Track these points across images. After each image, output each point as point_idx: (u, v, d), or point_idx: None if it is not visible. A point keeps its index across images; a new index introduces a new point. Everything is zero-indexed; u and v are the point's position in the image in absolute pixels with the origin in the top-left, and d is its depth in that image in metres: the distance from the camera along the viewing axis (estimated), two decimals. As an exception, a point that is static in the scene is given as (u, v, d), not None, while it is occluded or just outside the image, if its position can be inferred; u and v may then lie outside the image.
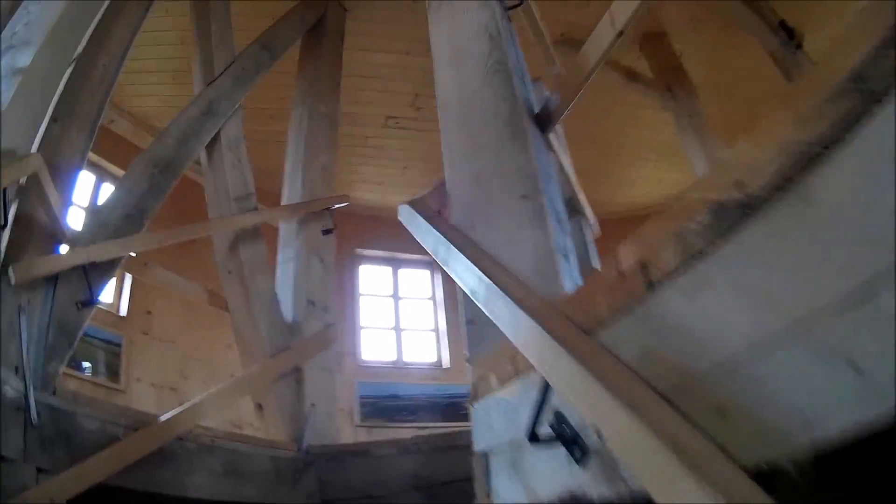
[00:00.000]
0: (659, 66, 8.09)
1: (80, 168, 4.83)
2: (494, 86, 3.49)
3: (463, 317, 3.07)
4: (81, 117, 4.87)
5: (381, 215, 10.90)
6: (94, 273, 4.53)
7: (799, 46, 6.43)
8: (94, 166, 8.40)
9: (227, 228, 5.63)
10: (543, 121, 3.53)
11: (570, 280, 2.89)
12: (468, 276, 2.74)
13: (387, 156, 10.21)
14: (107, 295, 8.33)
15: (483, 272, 2.61)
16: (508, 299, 2.33)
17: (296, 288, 5.92)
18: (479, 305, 2.60)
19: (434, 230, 3.20)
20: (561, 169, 4.13)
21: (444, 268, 3.08)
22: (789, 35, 6.49)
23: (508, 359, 2.47)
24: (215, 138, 5.87)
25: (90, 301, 4.52)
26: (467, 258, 2.80)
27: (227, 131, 5.95)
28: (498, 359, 2.60)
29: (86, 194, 8.32)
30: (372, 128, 9.60)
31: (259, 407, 5.47)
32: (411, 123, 9.55)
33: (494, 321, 2.43)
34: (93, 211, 4.97)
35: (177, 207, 6.76)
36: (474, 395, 2.83)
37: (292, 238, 6.17)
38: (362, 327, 11.00)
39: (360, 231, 10.69)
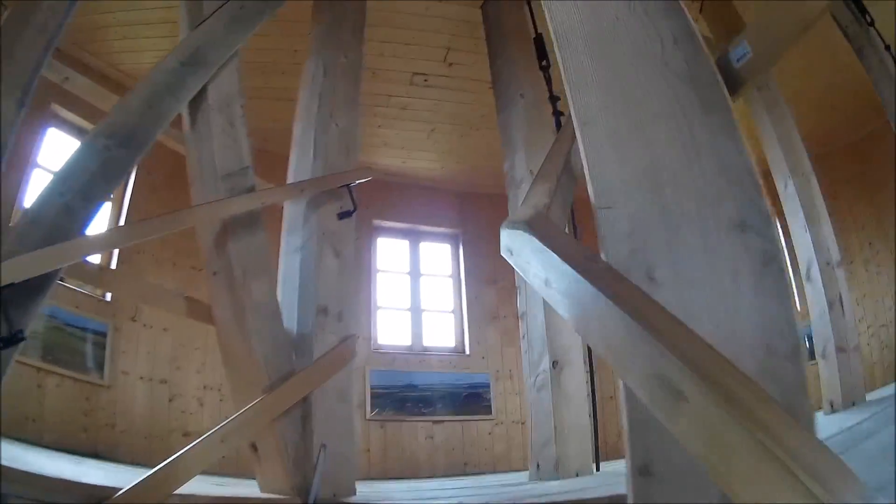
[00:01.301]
0: (722, 30, 6.66)
1: (7, 141, 3.31)
2: (650, 13, 1.92)
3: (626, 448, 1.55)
4: (11, 77, 3.35)
5: (403, 183, 9.57)
6: (14, 297, 3.01)
7: (871, 24, 5.38)
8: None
9: (207, 218, 4.01)
10: (729, 80, 1.96)
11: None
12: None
13: (412, 117, 8.72)
14: (89, 277, 6.92)
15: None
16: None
17: (303, 290, 4.35)
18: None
19: (601, 295, 1.57)
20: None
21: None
22: (860, 10, 5.41)
23: None
24: (201, 96, 4.21)
25: (13, 337, 3.00)
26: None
27: (218, 86, 4.27)
28: None
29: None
30: (396, 85, 8.13)
31: (254, 448, 3.95)
32: (441, 81, 8.10)
33: None
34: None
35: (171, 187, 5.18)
36: None
37: (300, 223, 4.57)
38: (378, 307, 9.50)
39: (378, 200, 9.16)
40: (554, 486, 4.52)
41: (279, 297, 4.31)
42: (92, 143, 3.65)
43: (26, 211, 3.42)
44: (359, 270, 8.97)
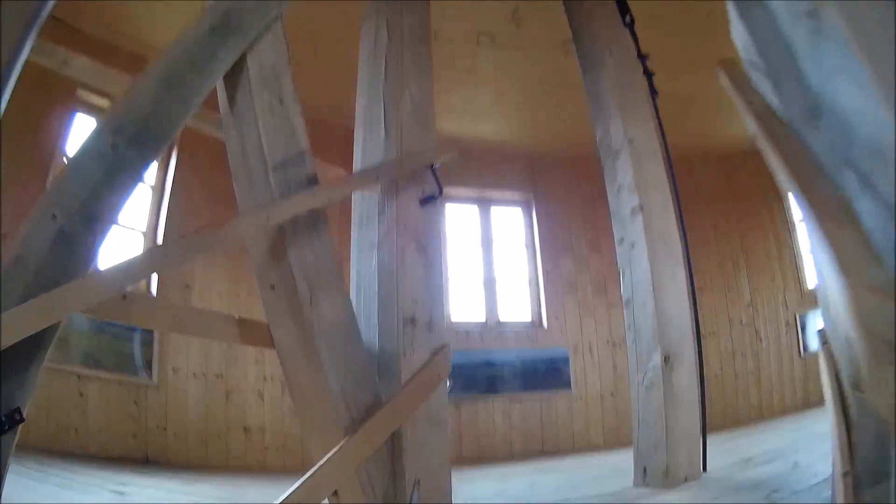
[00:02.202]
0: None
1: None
2: None
3: None
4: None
5: (469, 147, 8.66)
6: (3, 369, 2.22)
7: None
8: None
9: (259, 227, 3.05)
10: None
11: None
12: None
13: (478, 80, 7.85)
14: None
15: None
16: None
17: (383, 296, 3.48)
18: None
19: None
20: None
21: None
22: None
23: None
24: (239, 69, 3.26)
25: (7, 419, 2.20)
26: None
27: (259, 56, 3.31)
28: None
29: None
30: (461, 46, 7.23)
31: (335, 494, 3.15)
32: (509, 41, 7.19)
33: None
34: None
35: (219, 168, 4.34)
36: None
37: (374, 214, 3.70)
38: (450, 281, 8.71)
39: (444, 165, 8.26)
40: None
41: (355, 307, 3.50)
42: (94, 143, 2.74)
43: (13, 244, 2.50)
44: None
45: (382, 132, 3.90)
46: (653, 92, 4.97)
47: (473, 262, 9.01)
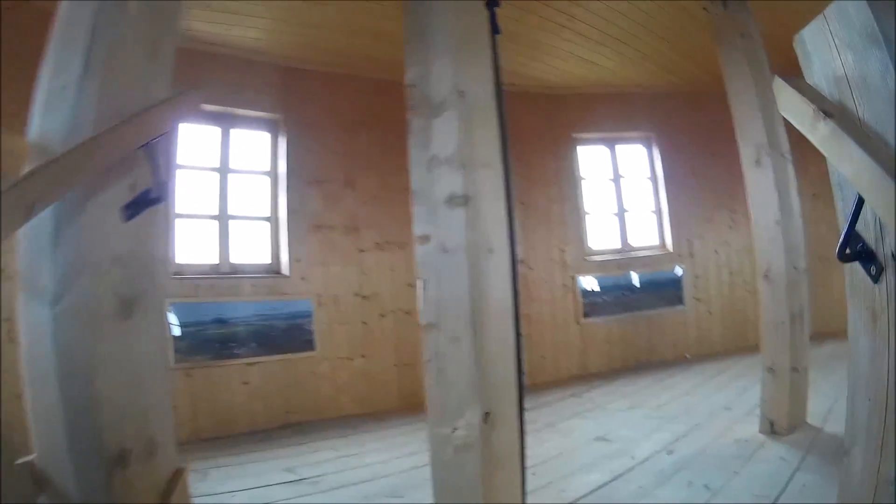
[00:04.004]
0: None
1: None
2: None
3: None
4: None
5: (216, 53, 6.86)
6: None
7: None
8: None
9: None
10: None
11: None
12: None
13: (247, -28, 5.97)
14: None
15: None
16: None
17: (71, 417, 1.79)
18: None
19: None
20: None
21: None
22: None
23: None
24: None
25: None
26: None
27: None
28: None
29: None
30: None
31: None
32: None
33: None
34: None
35: None
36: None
37: (45, 242, 1.94)
38: (178, 215, 6.77)
39: (191, 74, 6.20)
40: None
41: (30, 416, 1.77)
42: None
43: None
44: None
45: (79, 67, 2.11)
46: (494, 30, 3.36)
47: (206, 193, 7.07)
